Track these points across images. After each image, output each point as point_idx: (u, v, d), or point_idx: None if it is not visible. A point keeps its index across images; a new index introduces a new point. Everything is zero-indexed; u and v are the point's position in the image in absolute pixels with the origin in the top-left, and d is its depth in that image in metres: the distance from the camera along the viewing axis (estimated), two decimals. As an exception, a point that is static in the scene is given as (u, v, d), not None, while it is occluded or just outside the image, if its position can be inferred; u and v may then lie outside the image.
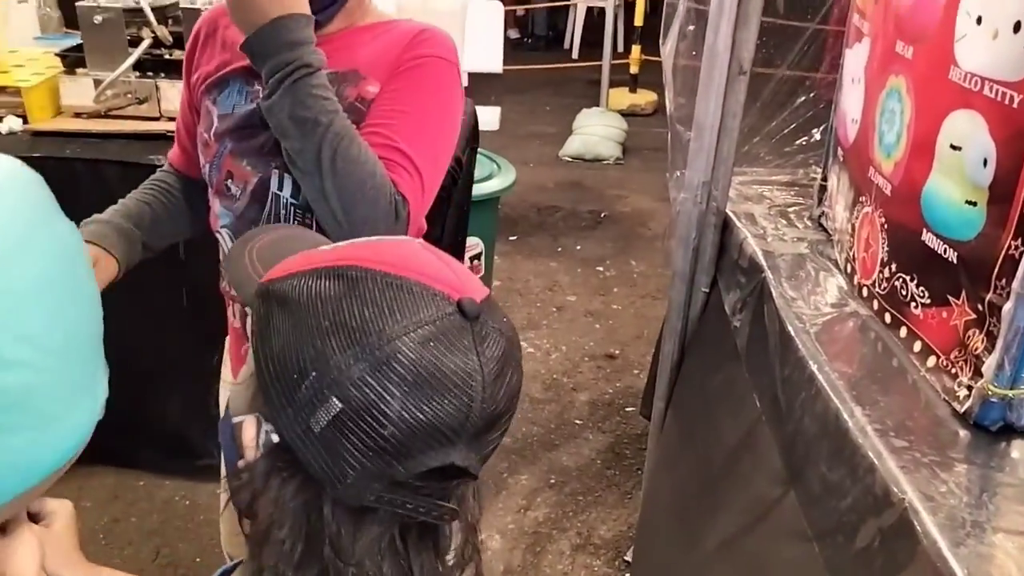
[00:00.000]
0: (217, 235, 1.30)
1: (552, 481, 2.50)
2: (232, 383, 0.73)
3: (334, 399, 0.59)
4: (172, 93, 2.06)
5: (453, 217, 2.44)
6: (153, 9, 2.03)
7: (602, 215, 4.21)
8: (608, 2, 5.38)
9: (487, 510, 2.39)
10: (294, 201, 1.21)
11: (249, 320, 0.69)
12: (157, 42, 2.06)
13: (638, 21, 5.38)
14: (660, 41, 1.59)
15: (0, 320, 0.52)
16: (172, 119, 1.73)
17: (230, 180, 1.24)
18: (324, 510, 0.62)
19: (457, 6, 2.29)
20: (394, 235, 0.89)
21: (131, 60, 2.02)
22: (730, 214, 1.64)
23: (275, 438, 0.62)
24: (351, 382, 0.58)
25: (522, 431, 2.69)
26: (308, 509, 0.62)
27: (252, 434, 0.65)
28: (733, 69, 1.48)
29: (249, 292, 0.69)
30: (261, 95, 1.12)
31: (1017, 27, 0.90)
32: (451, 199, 2.31)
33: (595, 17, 6.79)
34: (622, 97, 5.60)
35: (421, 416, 0.59)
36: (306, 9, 1.10)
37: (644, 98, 5.70)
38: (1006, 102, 0.91)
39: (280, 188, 1.21)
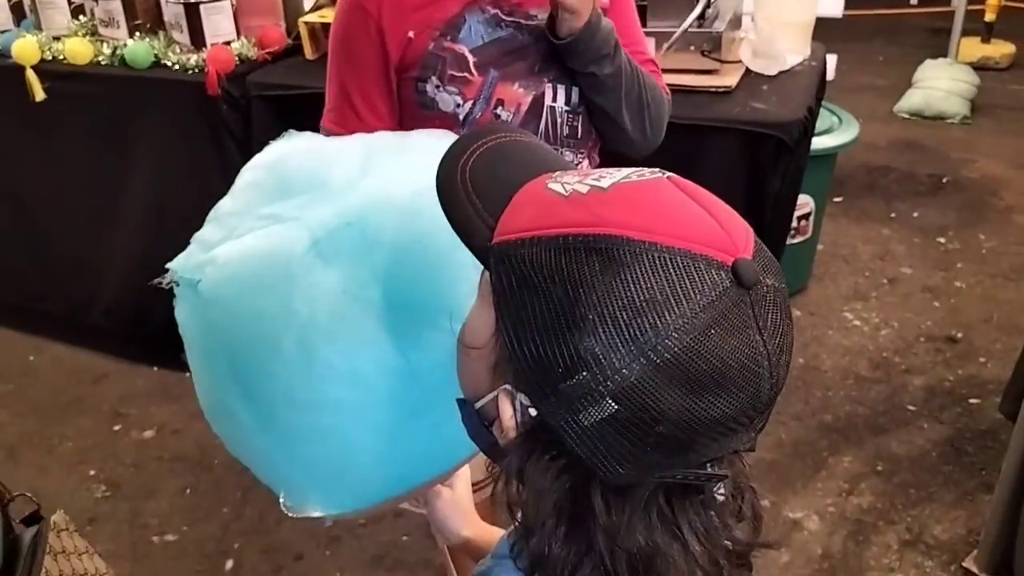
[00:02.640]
0: None
1: (879, 468, 2.28)
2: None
3: (609, 400, 0.54)
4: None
5: (792, 171, 2.26)
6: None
7: (944, 180, 3.75)
8: (968, -60, 4.73)
9: (803, 488, 2.26)
10: (567, 108, 1.32)
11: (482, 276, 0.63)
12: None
13: (1003, -39, 4.68)
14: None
15: None
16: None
17: (500, 107, 1.27)
18: (592, 497, 0.58)
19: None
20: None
21: (696, 11, 2.06)
22: None
23: (533, 412, 0.58)
24: (628, 385, 0.53)
25: (845, 410, 2.48)
26: (574, 494, 0.59)
27: (510, 412, 0.60)
28: None
29: (471, 238, 0.61)
30: (501, 18, 1.26)
31: None
32: (794, 152, 2.14)
33: (943, -42, 6.03)
34: (973, 48, 4.93)
35: (704, 416, 0.54)
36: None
37: (999, 50, 4.98)
38: None
39: (554, 100, 1.30)
